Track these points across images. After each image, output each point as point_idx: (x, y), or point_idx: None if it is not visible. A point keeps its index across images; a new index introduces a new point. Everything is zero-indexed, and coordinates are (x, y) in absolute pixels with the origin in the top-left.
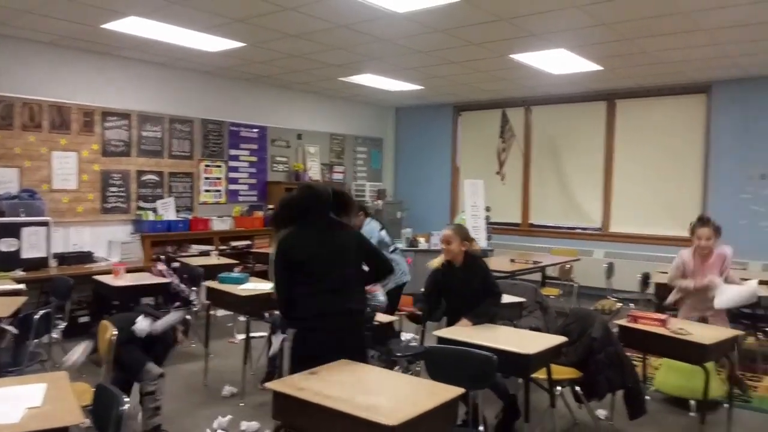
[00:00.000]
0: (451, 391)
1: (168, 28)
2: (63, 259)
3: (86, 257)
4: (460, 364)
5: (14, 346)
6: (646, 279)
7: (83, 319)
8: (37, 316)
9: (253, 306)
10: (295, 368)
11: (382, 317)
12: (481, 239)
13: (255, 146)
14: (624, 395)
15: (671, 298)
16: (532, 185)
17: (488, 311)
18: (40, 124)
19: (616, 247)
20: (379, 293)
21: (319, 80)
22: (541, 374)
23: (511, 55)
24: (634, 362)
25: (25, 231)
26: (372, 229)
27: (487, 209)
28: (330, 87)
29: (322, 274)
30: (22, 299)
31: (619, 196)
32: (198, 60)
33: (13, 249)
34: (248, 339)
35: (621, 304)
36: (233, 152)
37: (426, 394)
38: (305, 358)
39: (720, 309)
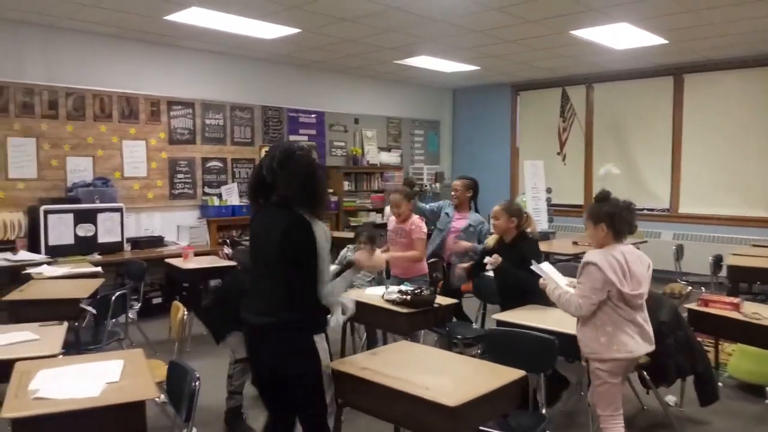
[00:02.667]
0: (513, 374)
1: (226, 17)
2: (136, 243)
3: (157, 241)
4: (521, 347)
5: (94, 325)
6: (718, 261)
7: (156, 301)
8: (114, 297)
9: None
10: None
11: (441, 299)
12: (542, 221)
13: (313, 131)
14: (694, 381)
15: None
16: (594, 165)
17: (517, 277)
18: (110, 115)
19: (685, 228)
20: None
21: (375, 64)
22: None
23: (571, 32)
24: (706, 347)
25: (101, 217)
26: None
27: (548, 190)
28: (386, 70)
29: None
30: (99, 281)
31: (687, 174)
32: (256, 48)
33: (89, 234)
34: None
35: (691, 288)
36: (292, 138)
37: (487, 375)
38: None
39: None
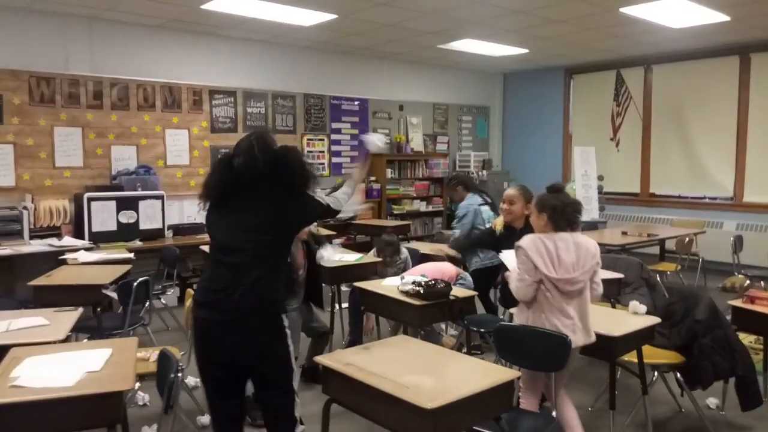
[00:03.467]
0: (505, 374)
1: (261, 4)
2: (177, 230)
3: (199, 228)
4: (532, 343)
5: (123, 310)
6: None
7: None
8: (135, 284)
9: (337, 277)
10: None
11: (458, 291)
12: (592, 210)
13: (356, 119)
14: (735, 384)
15: None
16: (652, 151)
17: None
18: (153, 104)
19: (750, 218)
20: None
21: (418, 49)
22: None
23: (621, 9)
24: (753, 348)
25: (142, 204)
26: (468, 205)
27: (600, 178)
28: (430, 55)
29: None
30: (126, 267)
31: (754, 161)
32: (295, 35)
33: (131, 221)
34: (333, 310)
35: (749, 282)
36: (335, 125)
37: (478, 375)
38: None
39: None
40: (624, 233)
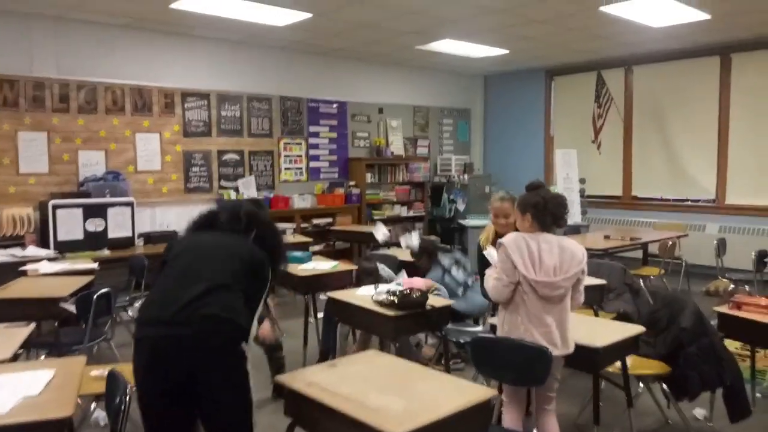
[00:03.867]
0: (482, 393)
1: (232, 3)
2: (148, 238)
3: (171, 236)
4: (510, 356)
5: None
6: (762, 257)
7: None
8: (95, 296)
9: (311, 286)
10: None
11: (434, 301)
12: (575, 213)
13: (335, 122)
14: (723, 394)
15: None
16: (634, 153)
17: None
18: (123, 107)
19: (733, 221)
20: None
21: (397, 50)
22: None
23: (601, 8)
24: (739, 355)
25: (111, 211)
26: (435, 277)
27: (582, 181)
28: (409, 57)
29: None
30: (88, 278)
31: (736, 163)
32: (270, 36)
33: (99, 229)
34: (306, 320)
35: (734, 286)
36: (313, 129)
37: (453, 394)
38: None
39: None
40: (606, 237)
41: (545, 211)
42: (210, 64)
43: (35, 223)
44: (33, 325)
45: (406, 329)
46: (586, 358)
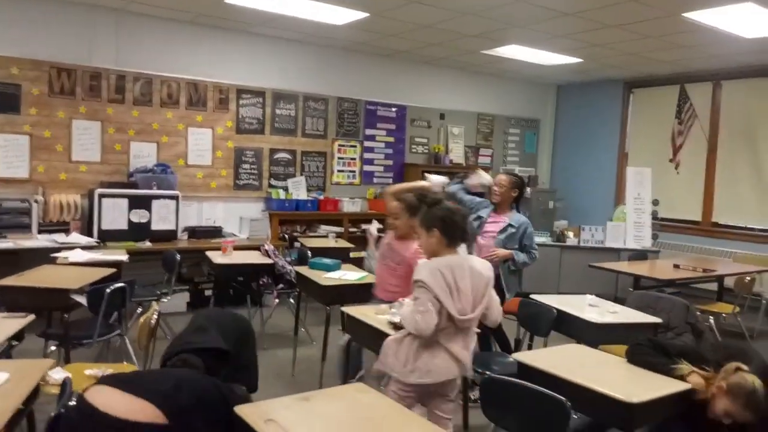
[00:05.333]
0: None
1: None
2: (193, 232)
3: (215, 232)
4: (522, 404)
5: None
6: None
7: (208, 293)
8: (108, 291)
9: (333, 296)
10: None
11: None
12: (644, 237)
13: (393, 126)
14: None
15: None
16: (717, 175)
17: None
18: (177, 101)
19: None
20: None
21: (460, 54)
22: None
23: (684, 14)
24: None
25: (156, 203)
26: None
27: (655, 203)
28: (474, 62)
29: None
30: (109, 271)
31: None
32: (329, 35)
33: (143, 220)
34: (327, 331)
35: None
36: (369, 132)
37: None
38: None
39: None
40: (676, 266)
41: (455, 226)
42: (267, 61)
43: (82, 210)
44: (31, 317)
45: None
46: (617, 413)
